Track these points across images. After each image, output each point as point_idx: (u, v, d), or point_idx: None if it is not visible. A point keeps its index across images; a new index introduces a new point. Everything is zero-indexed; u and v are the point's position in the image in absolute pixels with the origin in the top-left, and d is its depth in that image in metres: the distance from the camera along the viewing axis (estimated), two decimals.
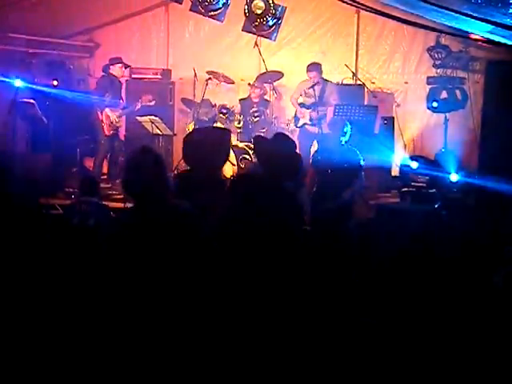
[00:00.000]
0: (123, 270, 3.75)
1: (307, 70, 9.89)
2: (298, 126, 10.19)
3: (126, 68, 10.45)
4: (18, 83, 9.38)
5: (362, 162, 7.59)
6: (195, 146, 5.54)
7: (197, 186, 5.06)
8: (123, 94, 10.67)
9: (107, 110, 9.91)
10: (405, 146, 10.62)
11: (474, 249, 7.58)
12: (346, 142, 7.61)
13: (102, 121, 9.92)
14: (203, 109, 10.62)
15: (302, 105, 10.13)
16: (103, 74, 10.31)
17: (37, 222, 4.27)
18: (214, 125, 10.25)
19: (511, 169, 8.74)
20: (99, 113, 9.93)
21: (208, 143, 5.59)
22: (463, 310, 5.13)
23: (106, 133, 9.95)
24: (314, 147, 9.97)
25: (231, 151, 9.61)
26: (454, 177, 9.03)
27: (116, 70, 10.14)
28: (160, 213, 3.78)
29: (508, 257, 5.47)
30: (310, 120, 9.99)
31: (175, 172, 9.43)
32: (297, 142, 10.09)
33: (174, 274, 3.77)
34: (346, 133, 7.61)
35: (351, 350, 5.54)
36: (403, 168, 8.52)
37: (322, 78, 9.93)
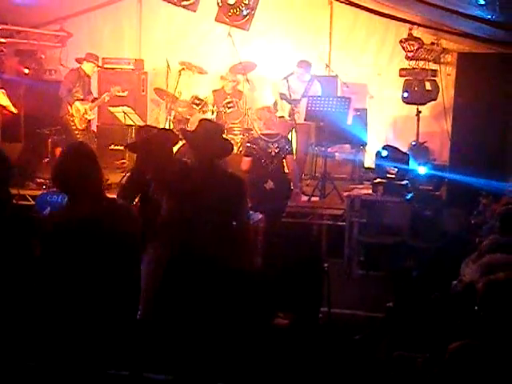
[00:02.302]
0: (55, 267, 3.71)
1: (298, 66, 9.72)
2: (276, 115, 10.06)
3: (98, 68, 10.41)
4: None
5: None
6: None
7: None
8: (95, 85, 10.61)
9: (77, 103, 9.83)
10: (377, 137, 10.67)
11: (445, 239, 7.67)
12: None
13: (72, 115, 9.83)
14: (178, 107, 10.56)
15: (282, 95, 9.90)
16: (73, 67, 10.22)
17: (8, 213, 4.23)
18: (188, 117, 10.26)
19: (481, 161, 8.85)
20: (69, 107, 9.83)
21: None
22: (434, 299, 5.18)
23: (79, 126, 9.87)
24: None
25: None
26: (422, 169, 9.11)
27: (87, 66, 10.04)
28: (92, 209, 3.74)
29: (479, 247, 5.52)
30: (289, 116, 9.75)
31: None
32: None
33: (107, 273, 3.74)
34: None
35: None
36: (376, 159, 8.57)
37: (311, 76, 9.85)
